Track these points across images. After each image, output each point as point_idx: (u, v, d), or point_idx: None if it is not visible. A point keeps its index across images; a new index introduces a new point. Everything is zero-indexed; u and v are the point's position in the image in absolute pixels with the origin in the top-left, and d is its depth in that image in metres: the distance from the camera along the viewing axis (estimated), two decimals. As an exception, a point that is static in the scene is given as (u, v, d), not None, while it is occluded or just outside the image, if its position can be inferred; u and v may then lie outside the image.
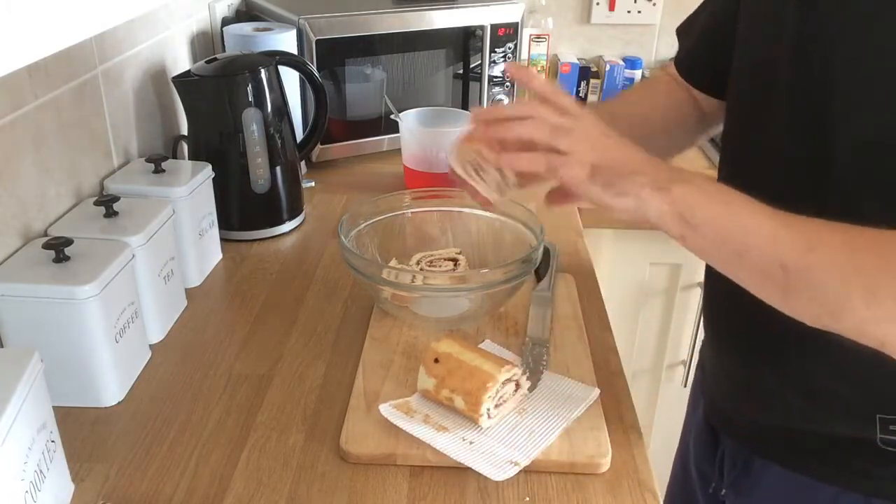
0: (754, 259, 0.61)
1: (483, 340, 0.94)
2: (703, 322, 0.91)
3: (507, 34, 1.56)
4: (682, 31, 0.96)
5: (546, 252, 1.09)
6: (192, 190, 1.04)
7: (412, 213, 1.10)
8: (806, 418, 0.76)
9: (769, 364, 0.78)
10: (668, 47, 1.93)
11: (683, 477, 0.99)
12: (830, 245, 0.59)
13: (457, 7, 1.50)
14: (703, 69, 0.92)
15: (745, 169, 0.80)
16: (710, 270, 0.89)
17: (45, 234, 0.92)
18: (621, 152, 0.67)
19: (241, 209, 1.20)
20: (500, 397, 0.79)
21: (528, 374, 0.84)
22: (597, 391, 0.84)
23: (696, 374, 1.01)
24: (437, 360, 0.80)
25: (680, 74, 0.95)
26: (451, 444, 0.76)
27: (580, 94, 1.89)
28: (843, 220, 0.65)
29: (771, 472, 0.81)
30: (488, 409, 0.78)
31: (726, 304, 0.83)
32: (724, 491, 0.88)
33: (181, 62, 1.36)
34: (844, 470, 0.75)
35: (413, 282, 0.94)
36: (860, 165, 0.66)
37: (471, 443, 0.77)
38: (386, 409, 0.80)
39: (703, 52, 0.92)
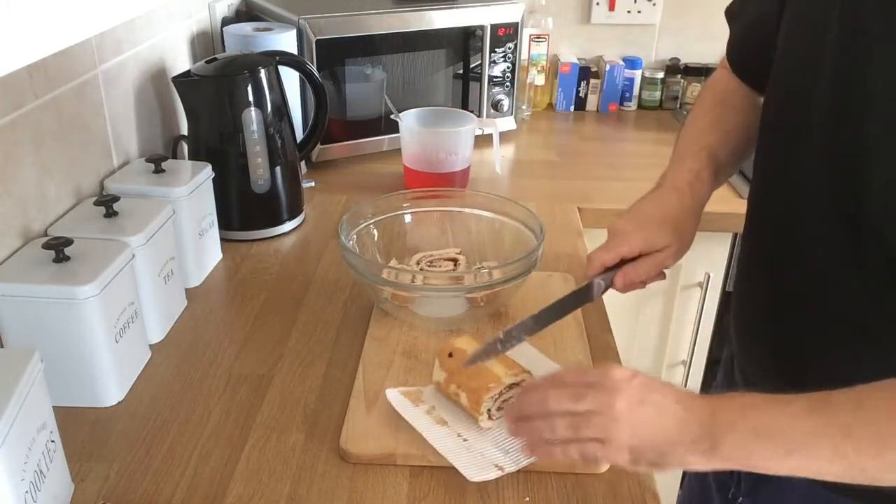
0: (828, 476, 0.61)
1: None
2: (736, 346, 0.90)
3: (507, 34, 1.56)
4: (731, 14, 0.94)
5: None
6: (192, 190, 1.04)
7: (412, 213, 1.10)
8: None
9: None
10: (668, 47, 1.93)
11: (701, 479, 0.98)
12: (893, 434, 0.57)
13: (457, 7, 1.50)
14: (755, 62, 0.87)
15: (777, 199, 0.78)
16: (738, 294, 0.89)
17: (45, 234, 0.92)
18: (653, 425, 0.63)
19: (241, 209, 1.20)
20: (504, 400, 0.79)
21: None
22: None
23: (718, 380, 1.00)
24: (450, 355, 0.81)
25: (730, 66, 0.94)
26: (444, 437, 0.76)
27: (580, 94, 1.89)
28: (875, 260, 0.65)
29: (788, 481, 0.80)
30: (489, 410, 0.78)
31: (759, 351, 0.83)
32: (741, 499, 0.87)
33: (181, 62, 1.36)
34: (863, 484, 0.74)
35: (413, 282, 0.94)
36: (891, 210, 0.64)
37: (465, 440, 0.77)
38: (392, 394, 0.81)
39: (751, 43, 0.89)
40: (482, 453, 0.75)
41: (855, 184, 0.67)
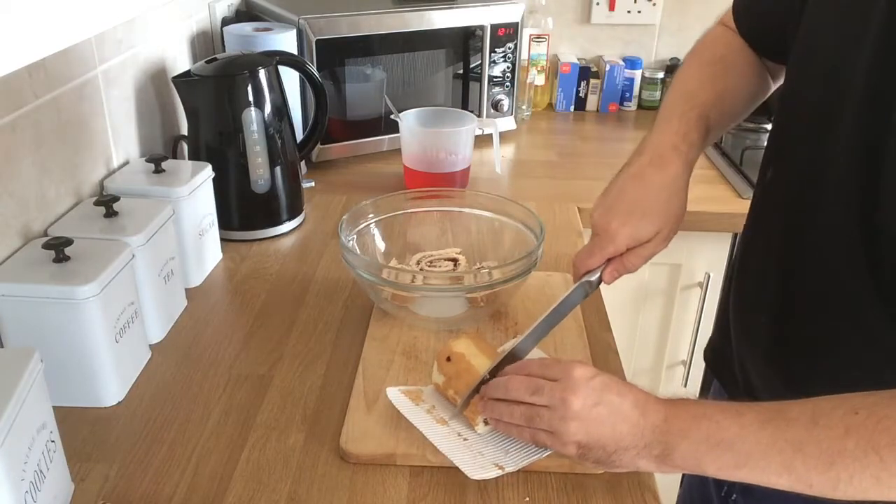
0: (777, 486, 0.61)
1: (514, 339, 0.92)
2: (735, 346, 0.89)
3: (507, 34, 1.56)
4: None
5: None
6: (192, 190, 1.04)
7: (412, 213, 1.10)
8: None
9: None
10: (668, 47, 1.93)
11: (700, 477, 0.98)
12: (846, 452, 0.57)
13: (457, 7, 1.50)
14: (766, 32, 0.83)
15: (792, 189, 0.76)
16: (737, 294, 0.87)
17: (45, 234, 0.92)
18: (607, 426, 0.65)
19: (241, 209, 1.20)
20: None
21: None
22: None
23: (715, 382, 1.00)
24: (449, 359, 0.80)
25: (738, 28, 0.87)
26: (444, 436, 0.76)
27: (580, 94, 1.89)
28: (886, 262, 0.63)
29: None
30: (485, 417, 0.77)
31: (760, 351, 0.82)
32: (734, 496, 0.87)
33: (181, 62, 1.36)
34: None
35: (413, 282, 0.94)
36: None
37: (465, 439, 0.77)
38: (393, 393, 0.81)
39: (762, 9, 0.83)
40: (482, 452, 0.75)
41: (874, 179, 0.64)
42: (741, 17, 0.88)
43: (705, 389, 1.54)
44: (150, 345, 0.95)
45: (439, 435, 0.77)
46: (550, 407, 0.67)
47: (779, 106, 0.81)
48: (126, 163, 1.14)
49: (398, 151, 1.40)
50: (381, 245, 1.07)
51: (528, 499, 0.73)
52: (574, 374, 0.68)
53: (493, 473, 0.73)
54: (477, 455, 0.75)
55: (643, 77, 1.89)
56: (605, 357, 0.94)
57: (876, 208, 0.65)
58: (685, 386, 1.57)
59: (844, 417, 0.58)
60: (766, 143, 0.85)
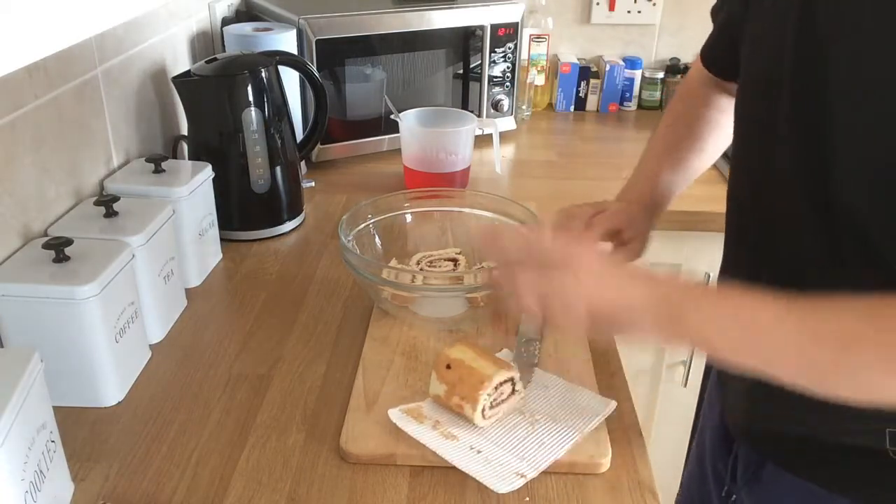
0: (784, 368, 0.61)
1: (501, 350, 0.92)
2: None
3: (507, 34, 1.56)
4: (713, 13, 0.96)
5: None
6: (192, 190, 1.04)
7: (412, 213, 1.10)
8: (819, 429, 0.75)
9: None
10: (668, 47, 1.93)
11: (700, 475, 0.98)
12: (862, 339, 0.58)
13: (457, 7, 1.50)
14: (723, 60, 0.91)
15: (750, 188, 0.79)
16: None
17: (45, 234, 0.92)
18: (617, 291, 0.66)
19: (241, 209, 1.20)
20: (495, 399, 0.78)
21: (519, 369, 0.83)
22: (613, 403, 0.82)
23: (712, 377, 1.00)
24: (448, 367, 0.79)
25: (702, 61, 0.97)
26: (460, 452, 0.76)
27: (580, 94, 1.89)
28: (843, 238, 0.65)
29: (783, 478, 0.80)
30: (483, 409, 0.77)
31: None
32: (734, 496, 0.87)
33: (181, 62, 1.36)
34: (857, 481, 0.74)
35: (413, 282, 0.94)
36: (859, 188, 0.65)
37: (479, 451, 0.76)
38: (395, 414, 0.79)
39: (722, 43, 0.91)
40: (500, 463, 0.74)
41: (823, 167, 0.67)
42: (705, 54, 0.97)
43: (706, 389, 1.55)
44: (150, 345, 0.95)
45: (454, 451, 0.76)
46: (562, 283, 0.67)
47: (734, 117, 0.85)
48: (126, 163, 1.14)
49: (398, 151, 1.40)
50: (380, 245, 1.07)
51: (528, 499, 0.73)
52: (580, 248, 0.71)
53: (517, 484, 0.72)
54: (496, 466, 0.74)
55: (643, 77, 1.89)
56: (605, 357, 0.94)
57: (828, 196, 0.66)
58: (685, 386, 1.57)
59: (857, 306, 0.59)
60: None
